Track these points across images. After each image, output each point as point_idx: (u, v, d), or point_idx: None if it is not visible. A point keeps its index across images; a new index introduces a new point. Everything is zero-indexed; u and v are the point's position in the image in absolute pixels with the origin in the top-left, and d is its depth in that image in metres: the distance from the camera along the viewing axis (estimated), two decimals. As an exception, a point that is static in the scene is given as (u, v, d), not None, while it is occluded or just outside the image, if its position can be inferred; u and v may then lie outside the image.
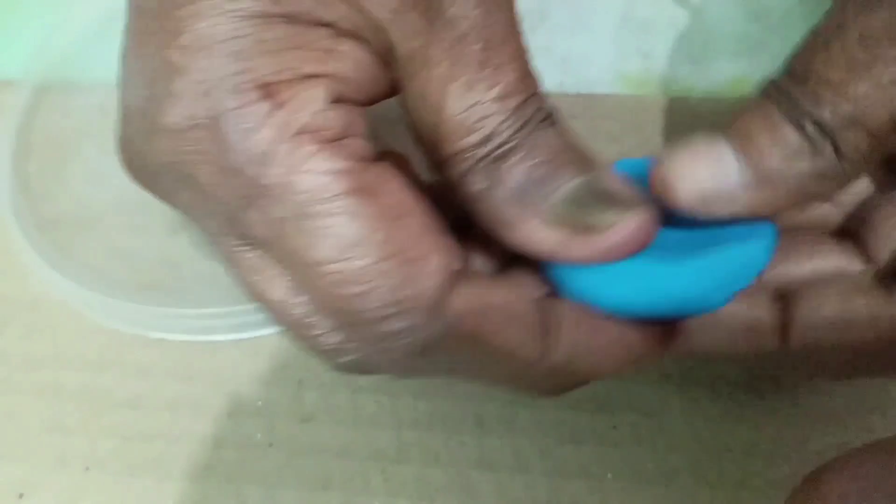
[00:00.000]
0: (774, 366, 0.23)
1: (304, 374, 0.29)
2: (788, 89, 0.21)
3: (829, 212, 0.25)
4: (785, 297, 0.22)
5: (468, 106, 0.20)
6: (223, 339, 0.30)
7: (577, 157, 0.21)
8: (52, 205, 0.33)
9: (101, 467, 0.28)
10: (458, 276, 0.20)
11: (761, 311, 0.22)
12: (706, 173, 0.21)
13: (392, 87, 0.21)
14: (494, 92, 0.20)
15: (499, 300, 0.20)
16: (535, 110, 0.20)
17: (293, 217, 0.18)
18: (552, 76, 0.35)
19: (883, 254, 0.23)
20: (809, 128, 0.20)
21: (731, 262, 0.21)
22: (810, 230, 0.25)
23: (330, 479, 0.27)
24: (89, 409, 0.29)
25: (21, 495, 0.28)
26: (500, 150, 0.20)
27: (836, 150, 0.20)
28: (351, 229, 0.18)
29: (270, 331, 0.30)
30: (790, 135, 0.20)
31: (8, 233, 0.31)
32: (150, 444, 0.28)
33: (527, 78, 0.20)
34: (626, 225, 0.20)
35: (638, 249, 0.20)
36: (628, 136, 0.33)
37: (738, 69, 0.34)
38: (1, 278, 0.32)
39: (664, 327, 0.22)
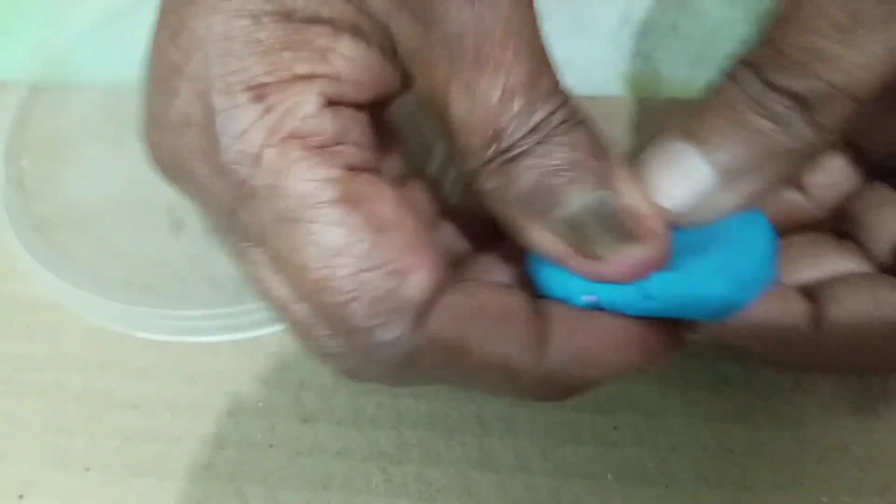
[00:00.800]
0: (805, 363, 0.22)
1: (304, 375, 0.29)
2: (761, 64, 0.20)
3: (803, 205, 0.24)
4: (812, 294, 0.22)
5: (470, 108, 0.19)
6: (222, 339, 0.30)
7: (595, 169, 0.20)
8: (48, 206, 0.33)
9: (101, 467, 0.28)
10: (445, 288, 0.20)
11: (792, 304, 0.21)
12: (679, 187, 0.21)
13: (405, 82, 0.21)
14: (496, 94, 0.19)
15: (490, 307, 0.20)
16: (549, 113, 0.19)
17: (279, 221, 0.19)
18: (552, 78, 0.35)
19: (883, 256, 0.23)
20: (778, 107, 0.20)
21: (723, 270, 0.20)
22: (807, 232, 0.24)
23: (331, 479, 0.27)
24: (90, 409, 0.29)
25: (21, 496, 0.28)
26: (510, 153, 0.19)
27: (812, 121, 0.19)
28: (334, 238, 0.18)
29: (269, 330, 0.30)
30: (758, 122, 0.20)
31: (6, 234, 0.31)
32: (150, 445, 0.28)
33: (537, 80, 0.19)
34: (625, 258, 0.20)
35: (637, 279, 0.20)
36: (630, 138, 0.33)
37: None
38: (1, 280, 0.32)
39: (670, 327, 0.21)
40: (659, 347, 0.21)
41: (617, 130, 0.33)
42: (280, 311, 0.20)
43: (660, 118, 0.34)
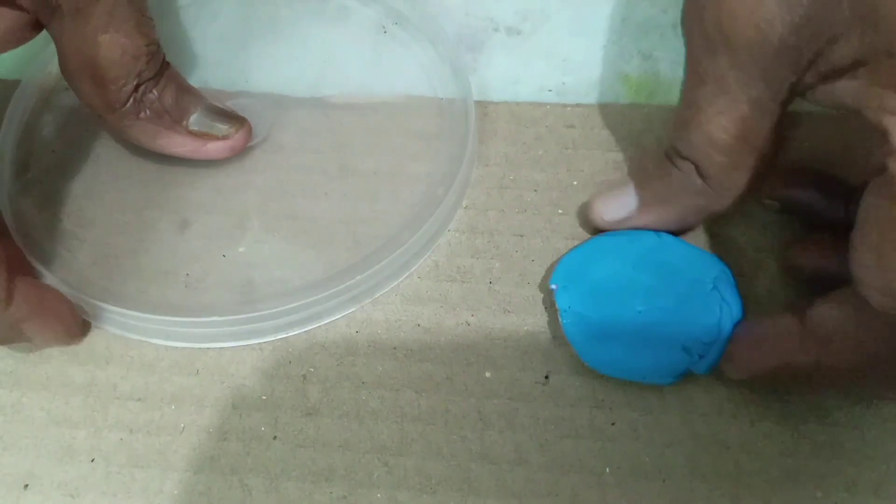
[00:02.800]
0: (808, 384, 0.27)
1: (307, 368, 0.29)
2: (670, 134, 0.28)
3: None
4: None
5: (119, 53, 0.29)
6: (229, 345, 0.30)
7: (193, 92, 0.32)
8: (55, 204, 0.33)
9: (106, 459, 0.28)
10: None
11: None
12: (613, 207, 0.30)
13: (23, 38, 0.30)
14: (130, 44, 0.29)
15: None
16: (163, 59, 0.31)
17: None
18: (554, 76, 0.35)
19: None
20: (677, 160, 0.28)
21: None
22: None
23: (333, 472, 0.28)
24: (95, 402, 0.29)
25: (26, 486, 0.28)
26: (143, 86, 0.30)
27: (699, 171, 0.27)
28: None
29: (273, 338, 0.30)
30: (668, 168, 0.28)
31: (12, 232, 0.31)
32: (154, 437, 0.29)
33: (149, 33, 0.30)
34: (242, 133, 0.32)
35: (245, 146, 0.33)
36: (624, 145, 0.34)
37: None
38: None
39: None
40: None
41: (614, 139, 0.34)
42: None
43: (655, 127, 0.34)
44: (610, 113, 0.35)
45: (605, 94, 0.35)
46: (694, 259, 0.29)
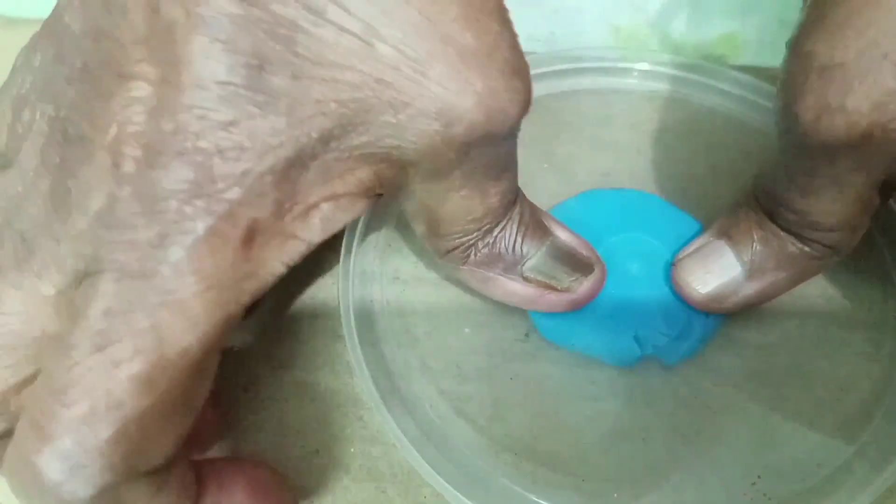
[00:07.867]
0: None
1: (282, 319, 0.29)
2: (768, 206, 0.26)
3: None
4: None
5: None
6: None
7: (540, 229, 0.26)
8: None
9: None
10: None
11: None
12: (716, 276, 0.27)
13: None
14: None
15: None
16: (512, 201, 0.25)
17: None
18: (543, 27, 0.34)
19: None
20: (816, 246, 0.25)
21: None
22: None
23: (305, 425, 0.27)
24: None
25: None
26: (477, 237, 0.25)
27: (835, 252, 0.25)
28: None
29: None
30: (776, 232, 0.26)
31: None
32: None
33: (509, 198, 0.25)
34: (587, 285, 0.27)
35: (592, 299, 0.27)
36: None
37: (728, 26, 0.34)
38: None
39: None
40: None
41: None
42: None
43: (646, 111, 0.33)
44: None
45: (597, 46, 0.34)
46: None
